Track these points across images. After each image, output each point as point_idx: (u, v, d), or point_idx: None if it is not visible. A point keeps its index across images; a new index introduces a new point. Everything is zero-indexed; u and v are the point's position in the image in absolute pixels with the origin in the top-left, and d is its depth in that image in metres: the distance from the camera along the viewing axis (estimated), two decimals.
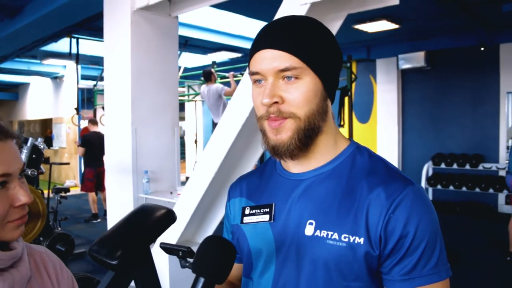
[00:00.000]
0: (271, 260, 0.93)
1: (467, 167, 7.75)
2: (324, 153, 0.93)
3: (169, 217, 1.64)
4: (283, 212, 0.92)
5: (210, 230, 3.71)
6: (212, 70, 6.78)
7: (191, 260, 1.93)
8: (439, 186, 7.84)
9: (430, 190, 8.03)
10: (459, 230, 6.40)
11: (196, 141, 11.08)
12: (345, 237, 0.83)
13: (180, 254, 1.93)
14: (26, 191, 0.80)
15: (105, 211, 7.57)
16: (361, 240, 0.82)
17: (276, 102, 0.85)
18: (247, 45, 8.64)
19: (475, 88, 7.84)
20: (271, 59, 0.85)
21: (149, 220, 1.60)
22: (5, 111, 15.93)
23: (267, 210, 0.94)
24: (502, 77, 7.53)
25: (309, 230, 0.87)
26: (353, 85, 7.19)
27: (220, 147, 3.24)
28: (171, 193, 4.14)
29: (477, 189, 7.49)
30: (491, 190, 7.41)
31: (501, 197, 7.55)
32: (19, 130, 15.38)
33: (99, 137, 7.04)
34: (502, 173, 7.53)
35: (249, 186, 1.05)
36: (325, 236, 0.85)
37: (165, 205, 1.51)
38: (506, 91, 7.56)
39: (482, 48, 7.30)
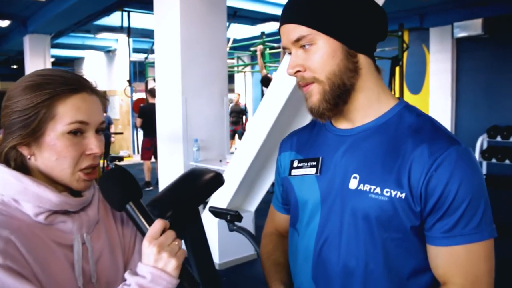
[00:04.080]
0: (316, 212, 0.97)
1: None
2: (367, 110, 0.95)
3: (217, 180, 1.72)
4: (330, 166, 0.96)
5: (258, 198, 3.79)
6: (269, 75, 6.80)
7: (238, 223, 2.01)
8: (494, 160, 7.51)
9: (485, 163, 7.70)
10: None
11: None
12: (387, 192, 0.86)
13: (228, 218, 2.02)
14: (101, 144, 0.86)
15: (157, 179, 7.87)
16: (403, 195, 0.85)
17: (298, 71, 0.92)
18: None
19: None
20: (287, 33, 0.92)
21: (198, 182, 1.68)
22: None
23: (314, 163, 0.99)
24: None
25: (353, 183, 0.91)
26: (405, 54, 6.95)
27: (268, 115, 3.28)
28: (220, 161, 4.25)
29: None
30: None
31: None
32: None
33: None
34: None
35: (299, 141, 1.09)
36: (368, 190, 0.89)
37: None
38: None
39: None
